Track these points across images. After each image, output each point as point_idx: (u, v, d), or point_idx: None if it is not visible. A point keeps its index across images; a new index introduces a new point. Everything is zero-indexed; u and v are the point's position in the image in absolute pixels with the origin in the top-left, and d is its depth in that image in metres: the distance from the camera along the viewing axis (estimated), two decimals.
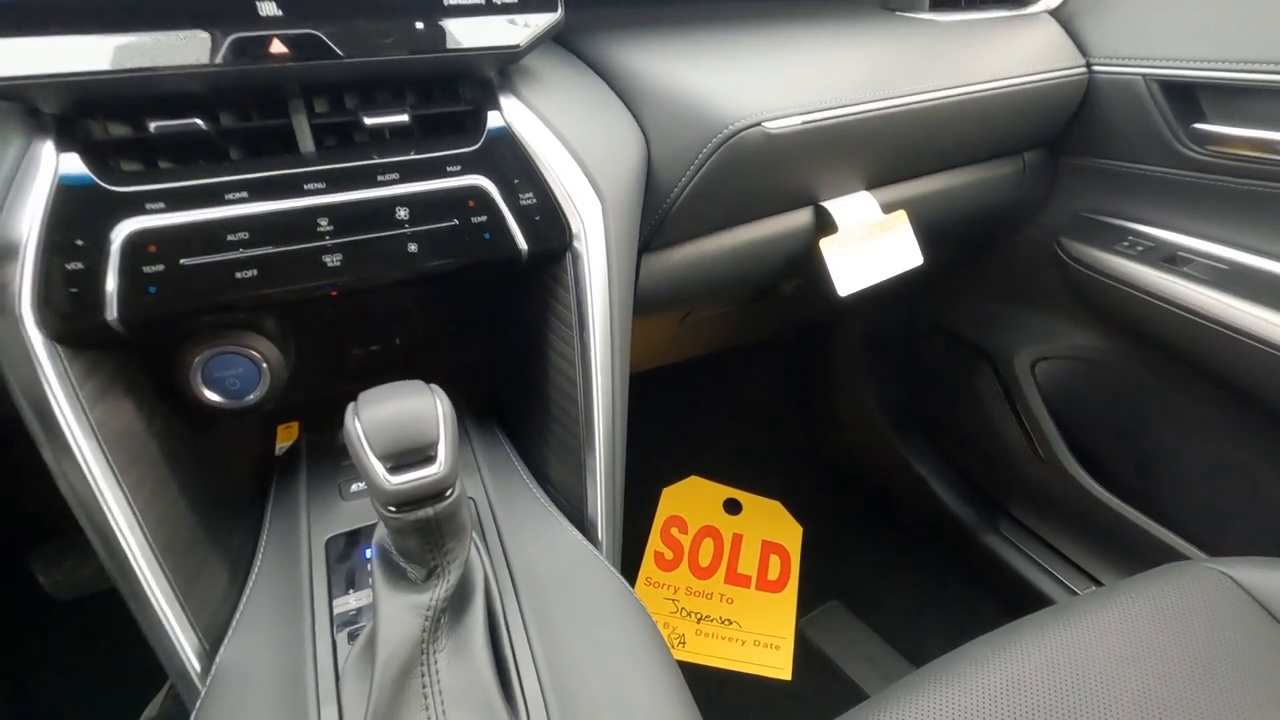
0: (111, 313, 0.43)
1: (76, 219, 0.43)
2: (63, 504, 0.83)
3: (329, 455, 0.59)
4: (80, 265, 0.43)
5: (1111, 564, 1.02)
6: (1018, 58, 0.80)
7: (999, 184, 0.89)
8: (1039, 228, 0.96)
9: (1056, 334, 1.01)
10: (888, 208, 0.78)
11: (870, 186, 0.77)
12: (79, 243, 0.43)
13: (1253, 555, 0.67)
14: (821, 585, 1.26)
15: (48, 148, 0.43)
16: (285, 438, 0.66)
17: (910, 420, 1.33)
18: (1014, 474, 1.15)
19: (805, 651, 1.16)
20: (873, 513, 1.41)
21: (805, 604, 1.22)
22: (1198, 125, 0.77)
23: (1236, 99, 0.75)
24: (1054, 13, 0.86)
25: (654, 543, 1.26)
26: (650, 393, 0.66)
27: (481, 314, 0.71)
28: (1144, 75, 0.78)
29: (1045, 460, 1.08)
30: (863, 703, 0.56)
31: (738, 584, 1.23)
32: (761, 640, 1.16)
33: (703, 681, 1.00)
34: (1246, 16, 0.73)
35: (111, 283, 0.43)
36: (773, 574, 1.25)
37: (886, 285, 0.78)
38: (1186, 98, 0.77)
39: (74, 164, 0.43)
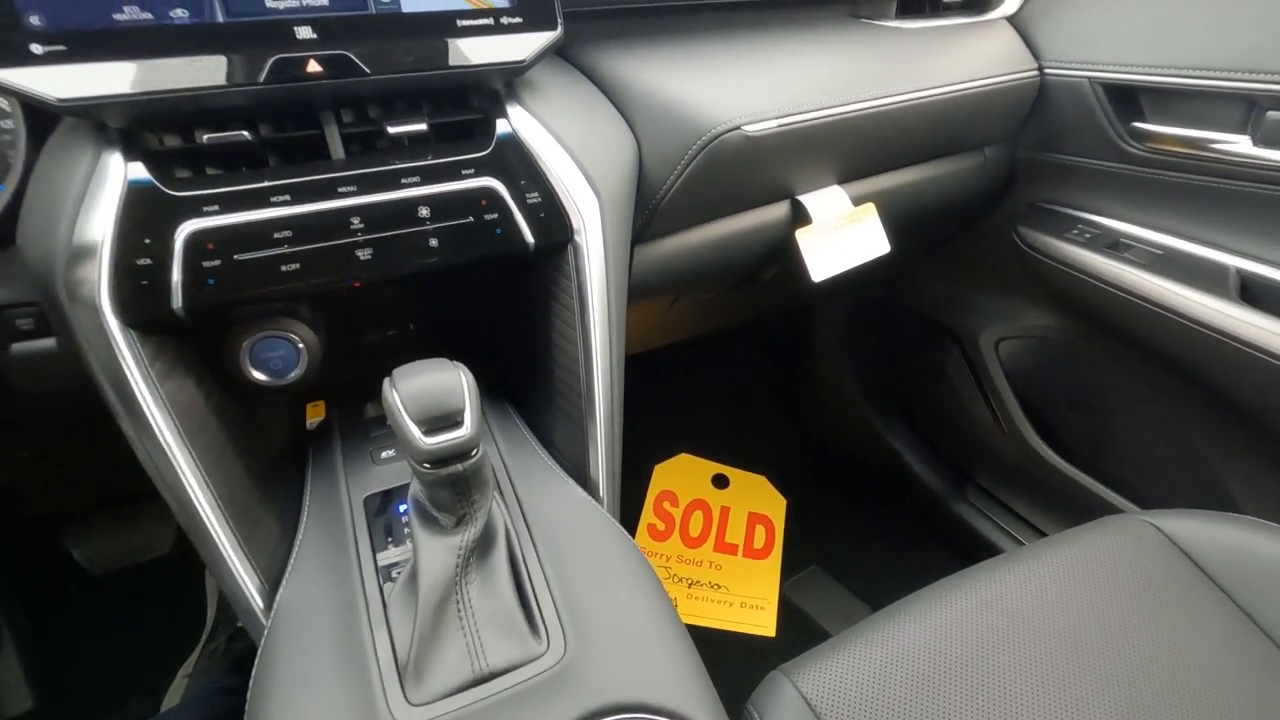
0: (177, 301, 0.50)
1: (144, 221, 0.49)
2: (94, 484, 0.90)
3: (358, 427, 0.66)
4: (149, 261, 0.49)
5: (1064, 524, 1.11)
6: (976, 61, 0.87)
7: (961, 177, 0.97)
8: (999, 217, 1.04)
9: (1017, 315, 1.09)
10: (858, 200, 0.85)
11: (841, 181, 0.85)
12: (147, 241, 0.49)
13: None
14: (803, 552, 1.35)
15: (116, 158, 0.49)
16: (314, 414, 0.73)
17: (885, 398, 1.42)
18: (979, 445, 1.24)
19: (788, 611, 1.25)
20: (851, 484, 1.50)
21: (788, 569, 1.31)
22: (1137, 124, 0.85)
23: (1171, 100, 0.82)
24: (1010, 19, 0.93)
25: (647, 515, 1.34)
26: (642, 376, 0.72)
27: (488, 302, 0.78)
28: (1089, 78, 0.85)
29: (1008, 433, 1.17)
30: (827, 640, 0.64)
31: (726, 552, 1.31)
32: (748, 602, 1.24)
33: (695, 642, 1.08)
34: (1180, 26, 0.80)
35: (176, 276, 0.49)
36: (758, 543, 1.34)
37: (861, 271, 0.86)
38: (1127, 99, 0.85)
39: (139, 171, 0.49)
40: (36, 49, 0.45)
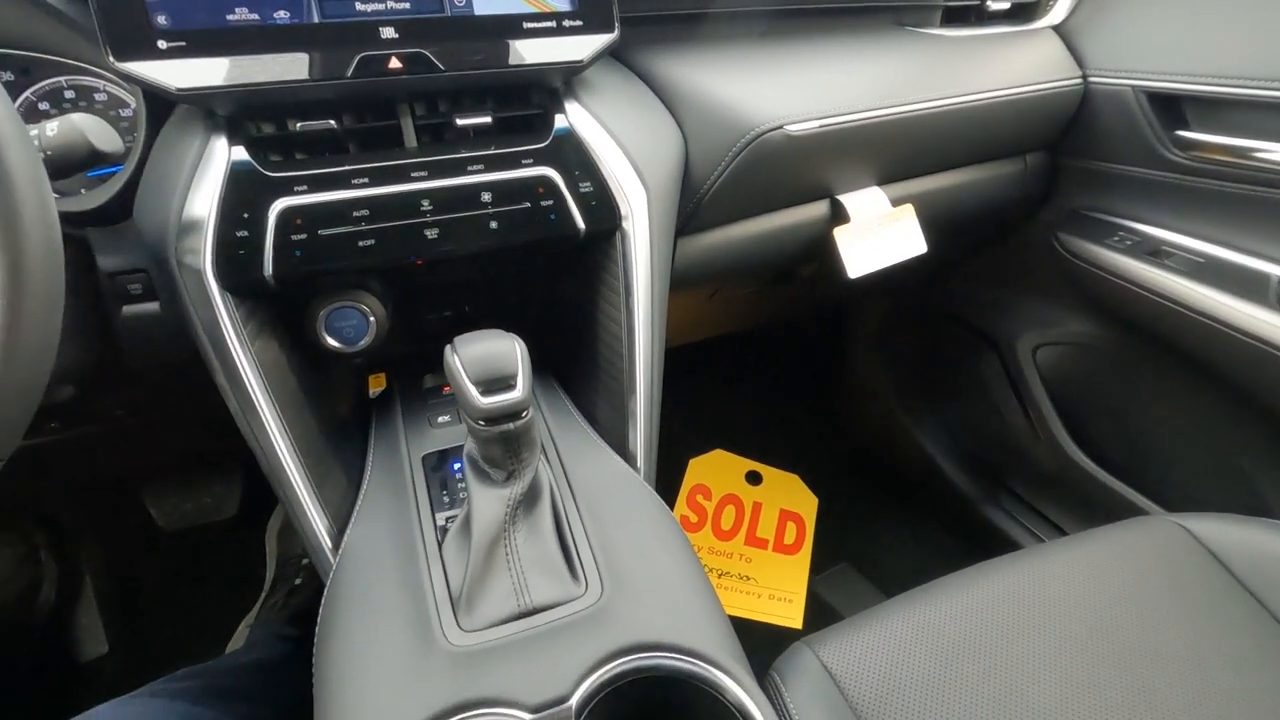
0: (268, 270, 0.56)
1: (243, 198, 0.55)
2: (174, 445, 0.98)
3: (417, 396, 0.72)
4: (246, 233, 0.55)
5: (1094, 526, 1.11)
6: (1021, 69, 0.89)
7: (1002, 182, 0.98)
8: (1040, 223, 1.05)
9: (1055, 321, 1.10)
10: (896, 201, 0.88)
11: (881, 182, 0.87)
12: (245, 216, 0.55)
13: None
14: (834, 549, 1.37)
15: (222, 142, 0.56)
16: (375, 385, 0.79)
17: (920, 400, 1.43)
18: (1013, 449, 1.24)
19: (816, 605, 1.27)
20: (883, 485, 1.51)
21: (817, 565, 1.33)
22: (1180, 132, 0.85)
23: (1215, 110, 0.83)
24: (1056, 28, 0.95)
25: (680, 507, 1.37)
26: (681, 370, 0.76)
27: (537, 286, 0.83)
28: (1133, 86, 0.87)
29: (1043, 439, 1.17)
30: (850, 617, 0.67)
31: (756, 546, 1.34)
32: (776, 595, 1.27)
33: None
34: (1225, 36, 0.81)
35: (268, 246, 0.55)
36: (789, 539, 1.36)
37: (898, 273, 0.88)
38: (1171, 107, 0.86)
39: (241, 154, 0.56)
40: (161, 44, 0.52)
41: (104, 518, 1.14)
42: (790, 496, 1.42)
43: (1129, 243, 0.93)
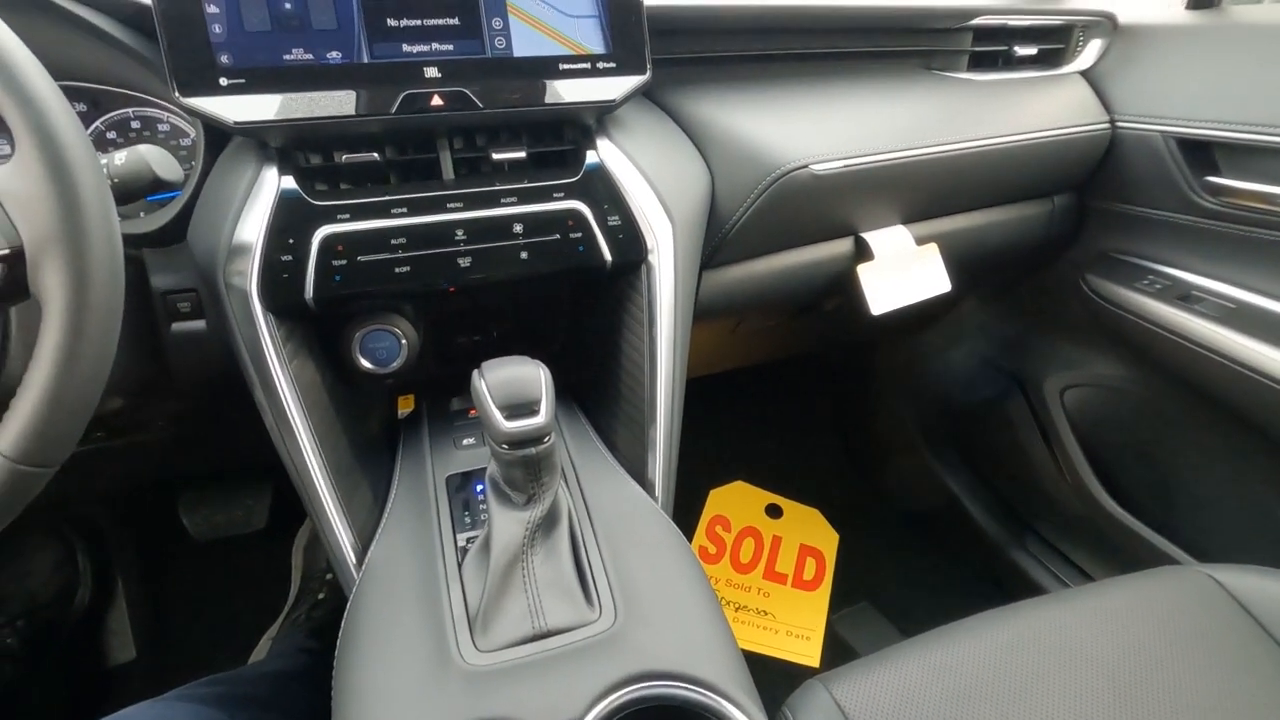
0: (309, 293, 0.59)
1: (289, 224, 0.58)
2: (209, 457, 1.01)
3: (443, 418, 0.74)
4: (290, 258, 0.58)
5: (1122, 574, 1.08)
6: (1048, 113, 0.90)
7: (1028, 223, 0.99)
8: (1067, 264, 1.05)
9: (1083, 363, 1.09)
10: (921, 240, 0.88)
11: (905, 221, 0.88)
12: (290, 241, 0.58)
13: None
14: (853, 587, 1.35)
15: (272, 172, 0.59)
16: (404, 406, 0.81)
17: (944, 439, 1.41)
18: (1039, 492, 1.22)
19: (834, 644, 1.25)
20: (906, 524, 1.48)
21: (837, 603, 1.31)
22: (1210, 178, 0.85)
23: (1246, 156, 0.83)
24: (1084, 74, 0.96)
25: (699, 538, 1.37)
26: (703, 401, 0.77)
27: (562, 313, 0.85)
28: (1162, 132, 0.87)
29: (1069, 482, 1.15)
30: (865, 656, 0.66)
31: (775, 580, 1.33)
32: (794, 631, 1.25)
33: None
34: (1256, 83, 0.81)
35: (311, 271, 0.58)
36: (808, 574, 1.34)
37: (923, 310, 0.89)
38: (1201, 153, 0.86)
39: (290, 183, 0.59)
40: (223, 81, 0.55)
41: (139, 525, 1.17)
42: (811, 531, 1.41)
43: (1159, 286, 0.92)
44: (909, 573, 1.39)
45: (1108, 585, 0.72)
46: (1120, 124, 0.91)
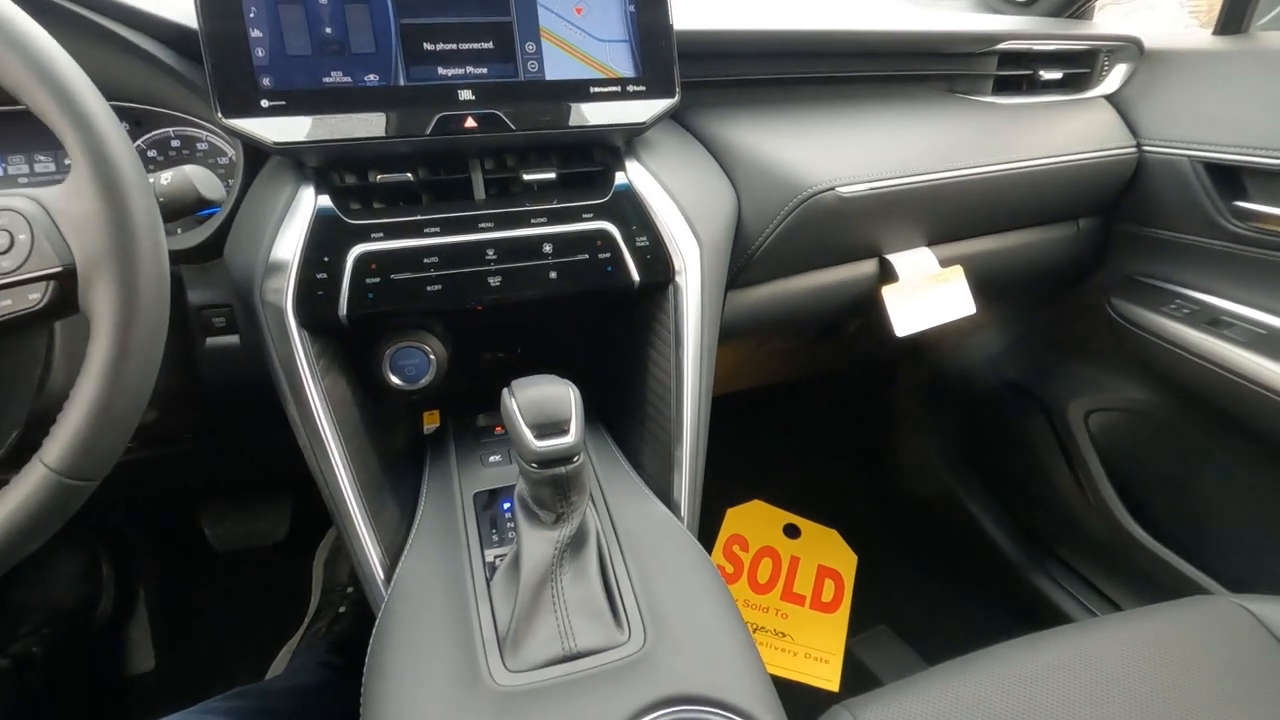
0: (342, 310, 0.59)
1: (325, 243, 0.59)
2: (233, 471, 1.02)
3: (470, 434, 0.74)
4: (325, 275, 0.59)
5: (1149, 602, 1.06)
6: (1073, 137, 0.90)
7: (1053, 245, 0.98)
8: (1093, 286, 1.04)
9: (1109, 386, 1.08)
10: (946, 262, 0.88)
11: (930, 243, 0.88)
12: (325, 259, 0.59)
13: None
14: (872, 610, 1.33)
15: (309, 191, 0.60)
16: (429, 421, 0.82)
17: (965, 461, 1.40)
18: (1062, 516, 1.20)
19: (853, 668, 1.23)
20: (926, 546, 1.47)
21: (856, 626, 1.29)
22: (1239, 203, 0.85)
23: (1274, 181, 0.82)
24: (1109, 97, 0.96)
25: (716, 556, 1.36)
26: (723, 418, 0.77)
27: (587, 333, 0.85)
28: (1189, 157, 0.87)
29: (1095, 507, 1.14)
30: (892, 683, 0.65)
31: (793, 602, 1.32)
32: (813, 654, 1.24)
33: None
34: None
35: (345, 288, 0.59)
36: (826, 596, 1.33)
37: (946, 332, 0.89)
38: (1229, 178, 0.85)
39: (325, 202, 0.60)
40: (264, 103, 0.57)
41: (161, 536, 1.18)
42: (829, 552, 1.40)
43: (1186, 311, 0.92)
44: (929, 596, 1.37)
45: (1137, 615, 0.71)
46: (1147, 148, 0.91)
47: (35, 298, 0.41)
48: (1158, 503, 1.07)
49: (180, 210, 0.56)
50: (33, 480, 0.41)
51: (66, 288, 0.42)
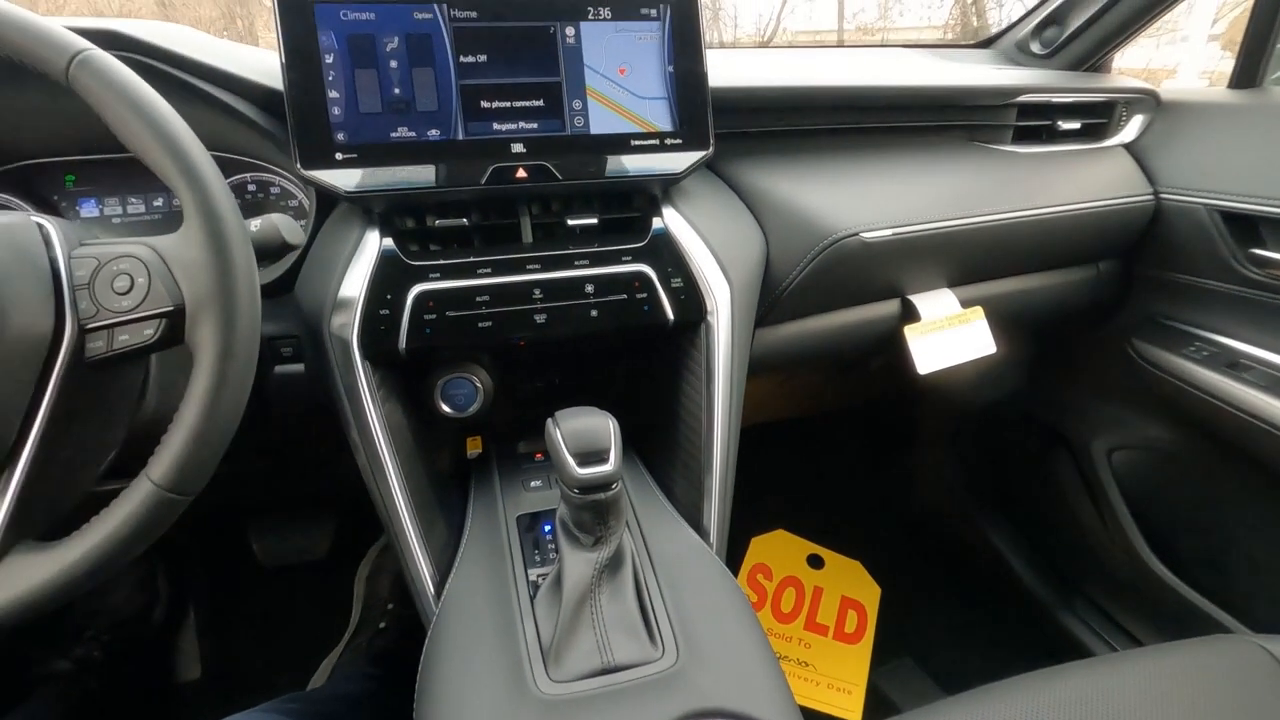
0: (402, 344, 0.65)
1: (387, 282, 0.65)
2: (282, 489, 1.08)
3: (512, 460, 0.79)
4: (387, 312, 0.65)
5: (1171, 639, 1.06)
6: (1092, 185, 0.94)
7: (1074, 288, 1.01)
8: (1114, 327, 1.06)
9: (1132, 425, 1.09)
10: (967, 303, 0.92)
11: (951, 285, 0.92)
12: (388, 297, 0.65)
13: None
14: (896, 642, 1.34)
15: (374, 234, 0.66)
16: (472, 446, 0.86)
17: (988, 496, 1.41)
18: (1086, 552, 1.21)
19: (875, 700, 1.24)
20: (950, 580, 1.47)
21: (879, 658, 1.30)
22: (1256, 250, 0.87)
23: None
24: (1128, 146, 0.99)
25: (740, 584, 1.38)
26: (749, 449, 0.80)
27: (622, 363, 0.90)
28: (1206, 205, 0.89)
29: (1117, 544, 1.14)
30: (913, 711, 0.67)
31: (816, 632, 1.33)
32: (835, 684, 1.25)
33: None
34: None
35: (404, 324, 0.65)
36: (850, 627, 1.34)
37: (969, 369, 0.91)
38: (1246, 226, 0.88)
39: (389, 245, 0.66)
40: (338, 156, 0.63)
41: (212, 549, 1.25)
42: (852, 583, 1.41)
43: (1206, 353, 0.94)
44: (951, 629, 1.38)
45: (1157, 651, 0.72)
46: (1165, 196, 0.94)
47: (149, 333, 0.47)
48: (1180, 541, 1.07)
49: (267, 254, 0.62)
50: (140, 494, 0.46)
51: (175, 324, 0.47)
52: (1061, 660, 0.72)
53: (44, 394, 0.45)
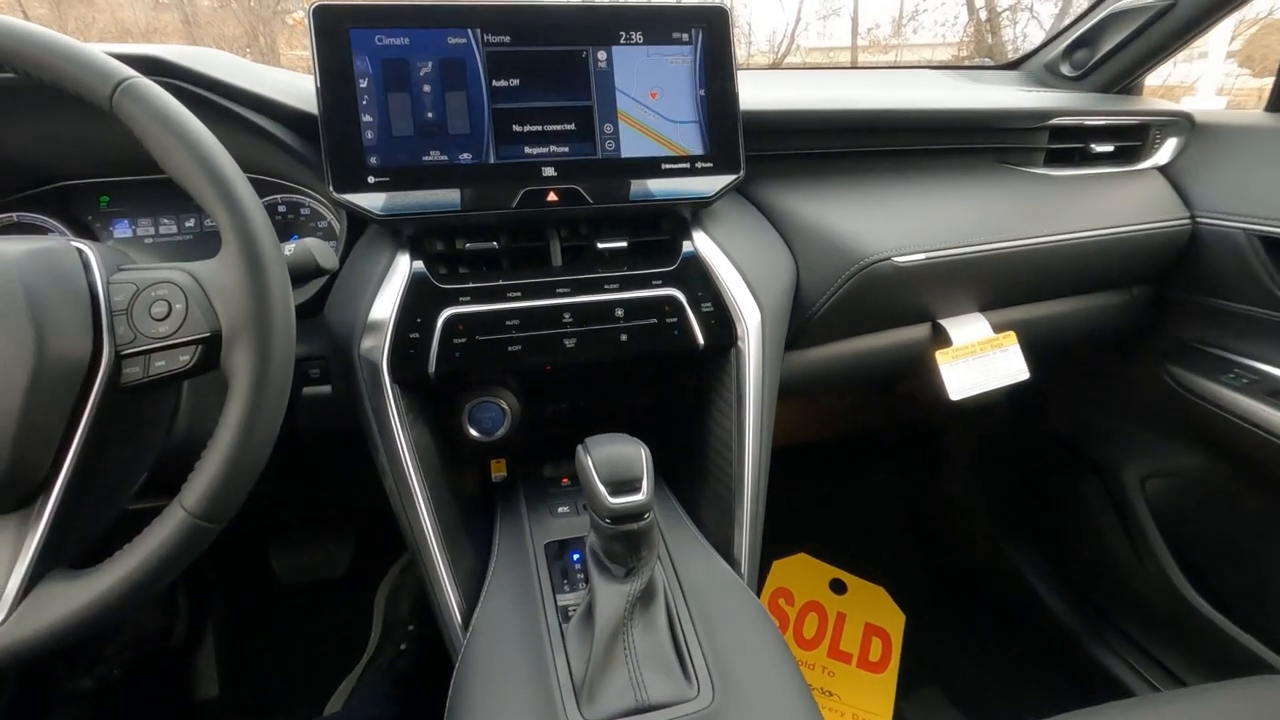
0: (431, 367, 0.64)
1: (417, 305, 0.64)
2: (304, 508, 1.07)
3: (538, 485, 0.78)
4: (417, 335, 0.64)
5: (1208, 675, 1.03)
6: (1126, 208, 0.92)
7: (1107, 312, 0.99)
8: (1149, 352, 1.04)
9: (1166, 453, 1.07)
10: (999, 328, 0.90)
11: (983, 309, 0.90)
12: (418, 320, 0.64)
13: None
14: (921, 671, 1.31)
15: (404, 257, 0.66)
16: (496, 470, 0.86)
17: (1017, 523, 1.38)
18: (1118, 582, 1.18)
19: None
20: (976, 608, 1.44)
21: (905, 687, 1.27)
22: None
23: None
24: (1162, 169, 0.98)
25: None
26: (774, 471, 0.79)
27: (651, 390, 0.89)
28: (1245, 229, 0.88)
29: (1153, 575, 1.11)
30: None
31: (839, 659, 1.30)
32: (860, 714, 1.22)
33: None
34: None
35: (434, 347, 0.64)
36: (874, 655, 1.32)
37: (999, 394, 0.90)
38: None
39: (419, 268, 0.66)
40: (371, 179, 0.63)
41: (233, 567, 1.24)
42: (876, 609, 1.38)
43: (1245, 381, 0.91)
44: (980, 658, 1.34)
45: (1201, 693, 0.69)
46: (1201, 219, 0.92)
47: (185, 359, 0.47)
48: (1221, 574, 1.04)
49: (300, 278, 0.62)
50: (173, 523, 0.45)
51: (211, 350, 0.47)
52: (1095, 694, 0.70)
53: (80, 420, 0.45)
